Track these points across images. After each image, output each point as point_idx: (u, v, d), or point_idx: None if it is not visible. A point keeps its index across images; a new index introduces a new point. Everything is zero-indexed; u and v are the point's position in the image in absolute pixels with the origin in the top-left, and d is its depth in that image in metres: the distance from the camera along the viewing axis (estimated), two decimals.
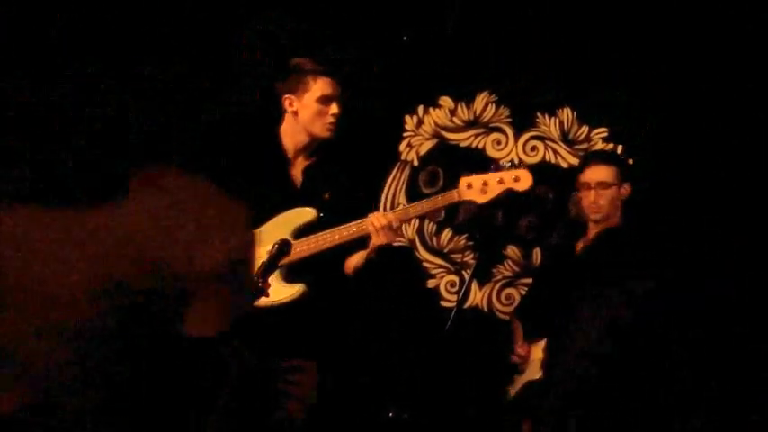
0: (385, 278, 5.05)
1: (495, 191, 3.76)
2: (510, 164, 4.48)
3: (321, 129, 3.80)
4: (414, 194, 5.04)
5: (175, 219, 1.74)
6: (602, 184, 4.19)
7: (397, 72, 5.06)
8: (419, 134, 5.14)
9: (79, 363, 1.68)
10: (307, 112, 3.79)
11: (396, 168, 5.14)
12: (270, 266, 3.45)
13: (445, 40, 5.02)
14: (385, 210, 5.09)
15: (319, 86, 3.77)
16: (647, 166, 4.83)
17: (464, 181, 3.77)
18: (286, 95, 3.83)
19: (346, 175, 3.98)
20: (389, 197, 5.12)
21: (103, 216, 1.69)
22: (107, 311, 1.69)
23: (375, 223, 3.66)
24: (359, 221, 3.69)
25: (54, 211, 1.69)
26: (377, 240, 3.67)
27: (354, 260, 3.87)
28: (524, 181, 3.76)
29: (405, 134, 5.16)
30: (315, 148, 3.89)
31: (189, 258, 1.74)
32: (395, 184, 5.13)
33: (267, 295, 3.34)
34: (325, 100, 3.77)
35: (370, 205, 3.82)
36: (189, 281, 1.77)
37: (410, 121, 5.15)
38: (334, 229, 3.70)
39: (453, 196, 3.79)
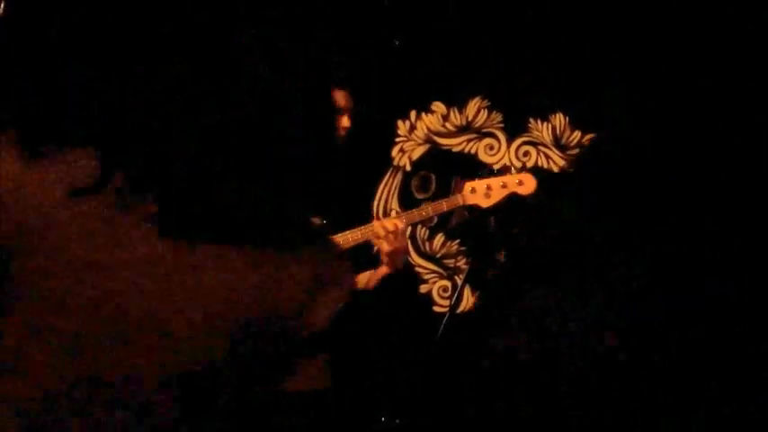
0: (378, 283, 5.06)
1: (498, 195, 3.80)
2: (521, 167, 4.52)
3: None
4: (406, 200, 5.04)
5: (294, 268, 1.70)
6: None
7: (389, 77, 5.06)
8: (411, 139, 5.14)
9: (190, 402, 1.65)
10: None
11: (388, 174, 5.13)
12: None
13: (438, 44, 5.02)
14: (377, 215, 5.10)
15: (337, 97, 3.75)
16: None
17: (468, 185, 3.80)
18: None
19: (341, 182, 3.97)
20: (382, 202, 5.12)
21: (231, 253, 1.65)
22: (226, 352, 1.65)
23: (380, 230, 3.65)
24: (358, 228, 3.69)
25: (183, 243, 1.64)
26: (385, 248, 3.66)
27: (363, 278, 3.85)
28: (528, 185, 3.79)
29: (397, 139, 5.16)
30: None
31: (303, 310, 1.70)
32: (387, 189, 5.12)
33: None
34: (338, 112, 3.77)
35: (364, 211, 3.81)
36: (300, 333, 1.73)
37: (403, 127, 5.15)
38: (337, 236, 3.70)
39: (458, 200, 3.81)
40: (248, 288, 1.67)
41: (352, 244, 3.71)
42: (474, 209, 3.90)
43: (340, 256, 1.84)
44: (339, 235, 3.69)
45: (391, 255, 3.69)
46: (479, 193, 3.79)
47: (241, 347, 1.68)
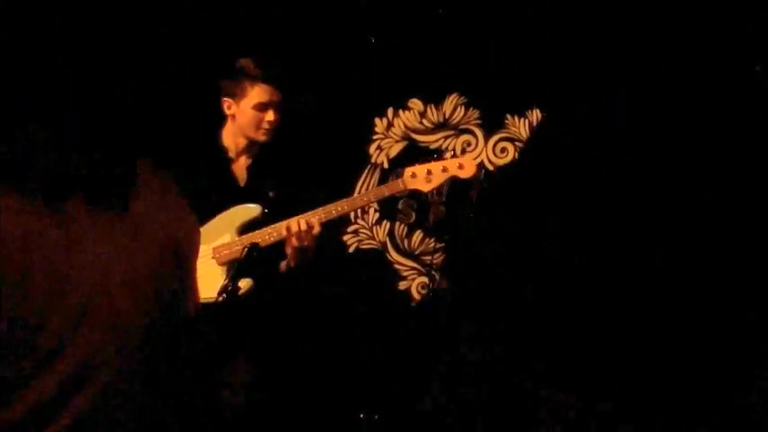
0: (356, 280, 5.07)
1: (439, 179, 3.84)
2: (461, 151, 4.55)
3: (257, 134, 3.84)
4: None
5: (182, 209, 1.92)
6: None
7: (366, 74, 5.06)
8: (389, 136, 5.14)
9: (119, 350, 1.77)
10: (243, 118, 3.84)
11: (366, 171, 5.13)
12: (241, 270, 3.47)
13: (414, 41, 5.03)
14: (356, 214, 5.10)
15: (256, 93, 3.81)
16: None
17: (408, 170, 3.84)
18: (225, 98, 3.87)
19: (290, 172, 3.98)
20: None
21: (135, 211, 1.84)
22: (146, 302, 1.80)
23: (293, 227, 3.68)
24: (280, 222, 3.71)
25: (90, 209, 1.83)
26: (292, 243, 3.69)
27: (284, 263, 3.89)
28: (468, 168, 3.83)
29: (374, 137, 5.16)
30: (257, 148, 3.91)
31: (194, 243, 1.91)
32: (365, 186, 5.12)
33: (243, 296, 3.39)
34: (261, 107, 3.82)
35: (318, 200, 3.80)
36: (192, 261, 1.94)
37: (380, 124, 5.15)
38: (275, 225, 3.73)
39: (398, 185, 3.84)
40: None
41: (270, 241, 3.73)
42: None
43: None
44: (279, 224, 3.71)
45: (295, 251, 3.72)
46: (420, 177, 3.83)
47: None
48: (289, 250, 3.75)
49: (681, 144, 4.74)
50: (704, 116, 4.69)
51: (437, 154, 3.91)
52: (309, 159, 4.79)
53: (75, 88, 1.92)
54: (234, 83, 3.84)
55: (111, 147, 1.94)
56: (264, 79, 3.80)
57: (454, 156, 3.90)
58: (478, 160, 5.03)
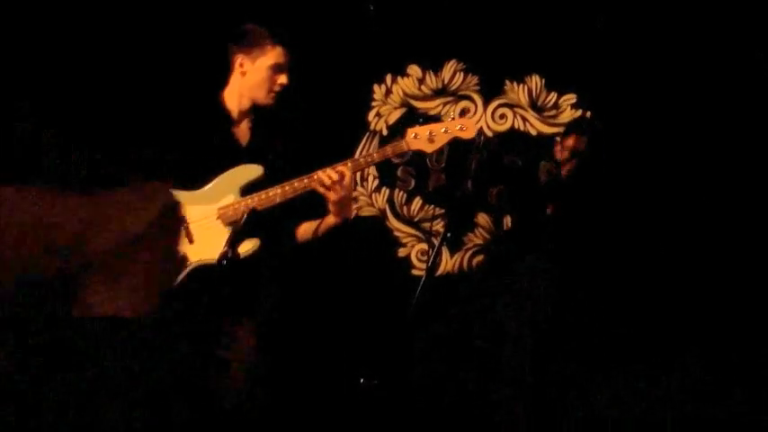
0: (356, 247, 5.08)
1: (441, 140, 3.82)
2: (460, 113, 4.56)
3: (265, 96, 3.83)
4: (383, 164, 5.04)
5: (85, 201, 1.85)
6: (578, 153, 4.31)
7: (364, 41, 5.04)
8: (388, 103, 5.13)
9: None
10: (256, 77, 3.81)
11: (365, 138, 5.13)
12: (238, 236, 3.47)
13: (412, 7, 5.01)
14: (355, 181, 5.10)
15: (276, 54, 3.78)
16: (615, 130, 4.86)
17: (410, 132, 3.82)
18: (239, 55, 3.84)
19: (292, 133, 3.97)
20: None
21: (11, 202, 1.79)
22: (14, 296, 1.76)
23: (325, 179, 3.67)
24: (306, 176, 3.70)
25: None
26: (332, 197, 3.68)
27: (305, 228, 3.89)
28: (470, 129, 3.83)
29: (373, 103, 5.15)
30: (258, 111, 3.90)
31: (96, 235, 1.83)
32: (364, 153, 5.12)
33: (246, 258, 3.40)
34: (277, 68, 3.80)
35: (318, 162, 3.78)
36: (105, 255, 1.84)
37: (379, 91, 5.14)
38: (281, 184, 3.72)
39: (402, 146, 3.82)
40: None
41: (293, 193, 3.72)
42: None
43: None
44: (280, 186, 3.71)
45: (338, 204, 3.71)
46: (422, 138, 3.81)
47: None
48: (330, 207, 3.73)
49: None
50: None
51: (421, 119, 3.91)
52: (309, 125, 4.79)
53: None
54: (252, 41, 3.82)
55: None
56: (283, 41, 3.79)
57: (456, 118, 3.88)
58: (477, 126, 5.03)
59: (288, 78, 3.81)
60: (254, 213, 3.50)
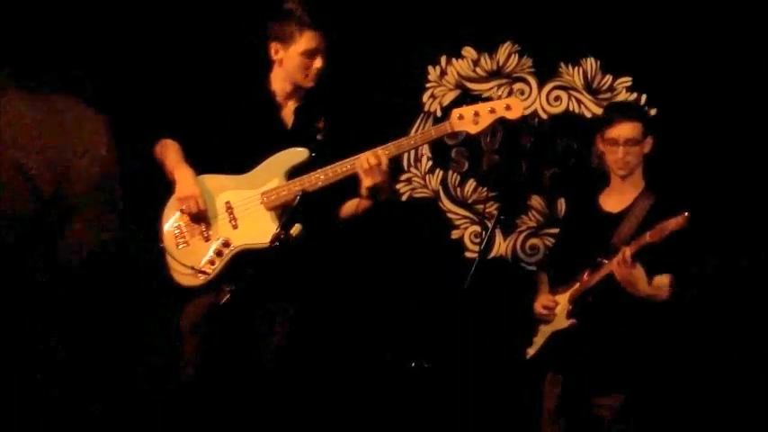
0: (409, 229, 5.09)
1: (486, 120, 3.79)
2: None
3: (304, 80, 3.85)
4: (437, 146, 5.05)
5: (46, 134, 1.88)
6: (631, 141, 4.11)
7: (420, 23, 5.04)
8: (442, 85, 5.13)
9: None
10: (291, 63, 3.85)
11: (419, 119, 5.13)
12: (292, 218, 3.51)
13: None
14: (408, 163, 5.11)
15: (305, 40, 3.81)
16: (671, 116, 4.81)
17: (455, 112, 3.81)
18: (272, 43, 3.87)
19: (335, 114, 3.98)
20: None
21: None
22: None
23: (364, 164, 3.67)
24: (348, 160, 3.72)
25: None
26: (366, 182, 3.69)
27: (348, 206, 3.91)
28: (516, 109, 3.79)
29: (428, 85, 5.14)
30: (304, 92, 3.92)
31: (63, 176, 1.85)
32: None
33: (294, 242, 3.43)
34: (309, 54, 3.82)
35: (364, 143, 3.79)
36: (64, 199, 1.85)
37: (433, 72, 5.14)
38: (324, 168, 3.73)
39: (446, 128, 3.81)
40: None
41: (335, 178, 3.73)
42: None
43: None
44: (322, 170, 3.72)
45: (371, 189, 3.71)
46: (467, 119, 3.78)
47: None
48: (363, 191, 3.75)
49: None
50: None
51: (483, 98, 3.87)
52: (360, 104, 4.80)
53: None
54: (282, 28, 3.84)
55: None
56: (312, 25, 3.79)
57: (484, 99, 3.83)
58: (532, 108, 5.01)
59: (323, 61, 3.82)
60: (305, 195, 3.54)
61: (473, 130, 3.80)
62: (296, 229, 3.57)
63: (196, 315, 3.79)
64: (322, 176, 3.74)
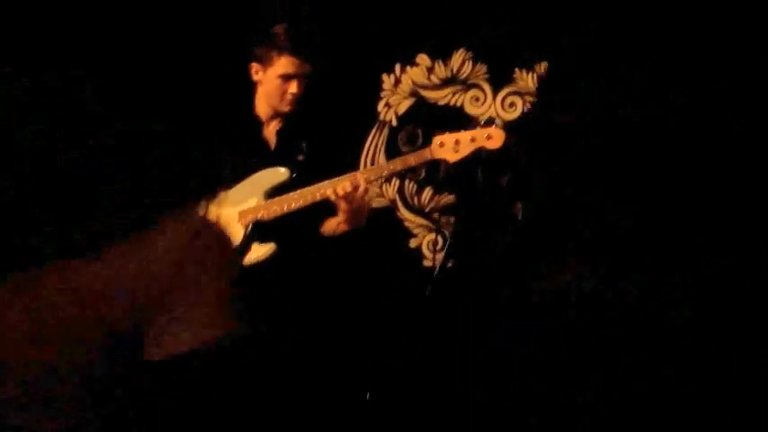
0: (366, 238, 5.05)
1: (467, 149, 3.82)
2: (489, 120, 4.51)
3: (280, 104, 3.86)
4: (393, 154, 5.01)
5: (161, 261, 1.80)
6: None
7: (373, 31, 5.02)
8: (397, 93, 5.11)
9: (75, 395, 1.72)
10: (269, 85, 3.87)
11: (374, 129, 5.11)
12: (244, 247, 3.48)
13: None
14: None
15: (282, 63, 3.82)
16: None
17: (436, 139, 3.82)
18: (253, 64, 3.89)
19: (321, 135, 3.99)
20: (369, 158, 5.10)
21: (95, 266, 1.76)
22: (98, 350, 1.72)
23: (339, 190, 3.67)
24: (327, 183, 3.71)
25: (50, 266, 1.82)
26: (343, 207, 3.70)
27: (329, 225, 3.90)
28: (497, 139, 3.81)
29: (382, 93, 5.13)
30: (284, 115, 3.93)
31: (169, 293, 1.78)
32: (374, 144, 5.10)
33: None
34: (286, 77, 3.83)
35: (348, 164, 3.81)
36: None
37: (387, 81, 5.12)
38: (302, 190, 3.73)
39: (426, 154, 3.83)
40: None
41: (312, 201, 3.72)
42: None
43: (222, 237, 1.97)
44: (305, 189, 3.71)
45: (349, 215, 3.73)
46: (448, 147, 3.81)
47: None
48: (340, 215, 3.75)
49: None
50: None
51: (485, 123, 3.88)
52: (322, 119, 4.77)
53: None
54: (263, 50, 3.86)
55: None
56: (292, 50, 3.79)
57: (484, 125, 3.85)
58: (487, 115, 5.01)
59: (299, 87, 3.82)
60: (256, 227, 3.51)
61: (452, 158, 3.84)
62: (260, 252, 3.58)
63: None
64: (301, 200, 3.73)
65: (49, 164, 4.10)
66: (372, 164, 5.09)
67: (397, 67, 5.12)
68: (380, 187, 5.12)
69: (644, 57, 4.70)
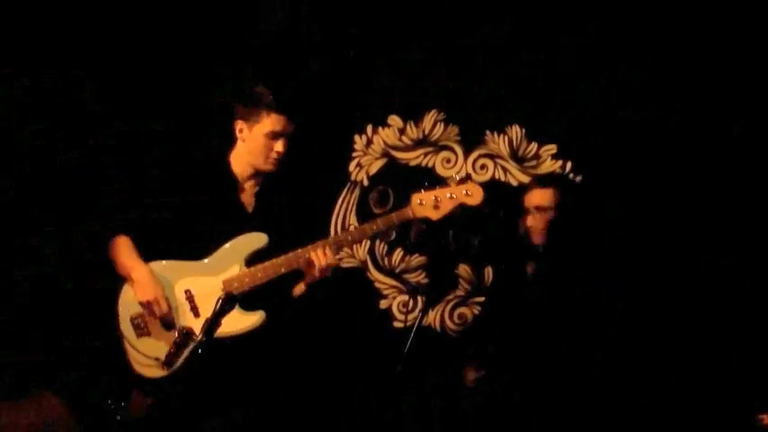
0: (337, 299, 5.02)
1: (447, 206, 3.79)
2: (465, 176, 4.52)
3: (264, 162, 3.79)
4: (364, 215, 5.01)
5: None
6: (540, 208, 4.31)
7: (345, 92, 5.03)
8: (369, 154, 5.12)
9: None
10: (253, 144, 3.78)
11: (346, 189, 5.10)
12: (214, 323, 3.39)
13: (393, 58, 5.01)
14: (336, 230, 5.05)
15: (271, 121, 3.75)
16: (597, 181, 4.85)
17: (416, 198, 3.78)
18: (239, 121, 3.81)
19: (298, 198, 3.95)
20: (340, 218, 5.08)
21: None
22: None
23: (327, 252, 3.66)
24: (308, 248, 3.68)
25: None
26: (313, 275, 3.67)
27: (298, 288, 3.85)
28: (476, 195, 3.79)
29: (354, 154, 5.13)
30: (264, 175, 3.86)
31: None
32: (345, 204, 5.09)
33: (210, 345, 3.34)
34: (273, 136, 3.77)
35: (323, 226, 3.78)
36: None
37: (359, 141, 5.12)
38: (287, 256, 3.68)
39: (407, 213, 3.79)
40: None
41: (296, 266, 3.70)
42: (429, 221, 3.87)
43: None
44: (280, 258, 3.67)
45: (319, 276, 3.72)
46: (428, 205, 3.78)
47: None
48: (308, 278, 3.72)
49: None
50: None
51: (461, 180, 3.87)
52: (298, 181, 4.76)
53: None
54: (249, 108, 3.78)
55: None
56: (280, 109, 3.75)
57: (462, 182, 3.83)
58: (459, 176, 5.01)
59: (284, 146, 3.77)
60: (230, 299, 3.43)
61: (434, 216, 3.81)
62: (251, 320, 3.54)
63: (138, 411, 3.65)
64: (283, 267, 3.69)
65: (49, 164, 4.07)
66: (343, 223, 5.07)
67: (369, 128, 5.12)
68: (351, 248, 5.09)
69: (643, 57, 4.73)
